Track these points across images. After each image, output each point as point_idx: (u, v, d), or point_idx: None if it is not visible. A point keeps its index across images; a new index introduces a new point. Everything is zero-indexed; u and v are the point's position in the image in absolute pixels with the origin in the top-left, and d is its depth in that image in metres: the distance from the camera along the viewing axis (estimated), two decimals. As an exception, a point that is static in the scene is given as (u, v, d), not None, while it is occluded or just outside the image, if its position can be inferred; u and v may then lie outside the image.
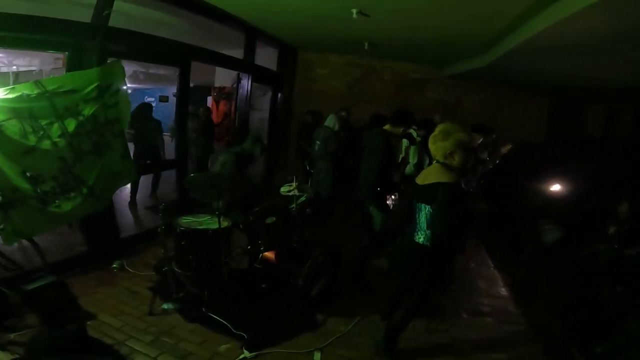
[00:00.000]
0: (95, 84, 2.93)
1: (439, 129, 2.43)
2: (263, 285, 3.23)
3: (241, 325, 2.79)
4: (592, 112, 8.63)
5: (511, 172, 5.94)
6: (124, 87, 3.25)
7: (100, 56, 3.17)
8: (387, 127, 3.46)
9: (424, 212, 2.40)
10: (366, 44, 6.15)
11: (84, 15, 3.19)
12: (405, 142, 5.54)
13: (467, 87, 7.95)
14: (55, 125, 2.76)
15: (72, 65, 3.09)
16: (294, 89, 7.94)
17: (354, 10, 4.15)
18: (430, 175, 2.42)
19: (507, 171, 5.47)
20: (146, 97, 9.82)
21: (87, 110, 2.89)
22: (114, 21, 3.42)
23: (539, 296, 3.86)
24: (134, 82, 9.35)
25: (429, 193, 2.35)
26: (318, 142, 5.31)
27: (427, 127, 5.23)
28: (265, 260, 3.26)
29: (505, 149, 4.59)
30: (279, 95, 7.44)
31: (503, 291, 3.89)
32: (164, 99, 9.92)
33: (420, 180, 2.49)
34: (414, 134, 5.51)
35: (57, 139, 2.79)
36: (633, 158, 7.42)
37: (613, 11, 2.83)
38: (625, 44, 3.67)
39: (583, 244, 4.67)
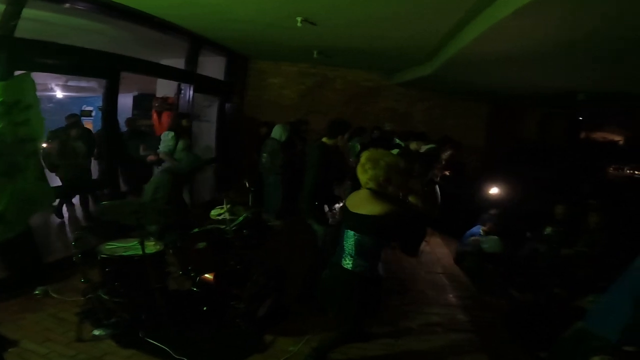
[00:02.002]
0: (0, 100, 2.60)
1: (365, 157, 2.32)
2: (204, 308, 3.03)
3: (183, 349, 2.61)
4: (527, 119, 9.24)
5: (456, 177, 6.11)
6: (37, 102, 2.91)
7: (5, 70, 2.85)
8: (324, 139, 3.40)
9: (353, 239, 2.26)
10: (315, 53, 6.12)
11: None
12: (357, 146, 5.56)
13: (416, 96, 8.15)
14: None
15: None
16: (244, 99, 7.73)
17: (299, 19, 4.14)
18: (363, 204, 2.25)
19: (452, 177, 5.63)
20: (84, 106, 8.96)
21: (-9, 130, 2.55)
22: (33, 30, 3.11)
23: (486, 303, 3.95)
24: (70, 90, 8.64)
25: (366, 224, 2.21)
26: (265, 155, 5.13)
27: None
28: (204, 283, 3.07)
29: (445, 155, 4.73)
30: (227, 105, 7.19)
31: (452, 298, 3.94)
32: (86, 113, 8.36)
33: (351, 206, 2.32)
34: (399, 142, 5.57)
35: None
36: (566, 161, 8.00)
37: (529, 21, 2.97)
38: (553, 52, 3.89)
39: (522, 245, 4.89)
